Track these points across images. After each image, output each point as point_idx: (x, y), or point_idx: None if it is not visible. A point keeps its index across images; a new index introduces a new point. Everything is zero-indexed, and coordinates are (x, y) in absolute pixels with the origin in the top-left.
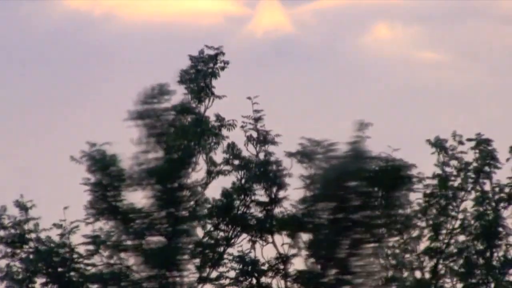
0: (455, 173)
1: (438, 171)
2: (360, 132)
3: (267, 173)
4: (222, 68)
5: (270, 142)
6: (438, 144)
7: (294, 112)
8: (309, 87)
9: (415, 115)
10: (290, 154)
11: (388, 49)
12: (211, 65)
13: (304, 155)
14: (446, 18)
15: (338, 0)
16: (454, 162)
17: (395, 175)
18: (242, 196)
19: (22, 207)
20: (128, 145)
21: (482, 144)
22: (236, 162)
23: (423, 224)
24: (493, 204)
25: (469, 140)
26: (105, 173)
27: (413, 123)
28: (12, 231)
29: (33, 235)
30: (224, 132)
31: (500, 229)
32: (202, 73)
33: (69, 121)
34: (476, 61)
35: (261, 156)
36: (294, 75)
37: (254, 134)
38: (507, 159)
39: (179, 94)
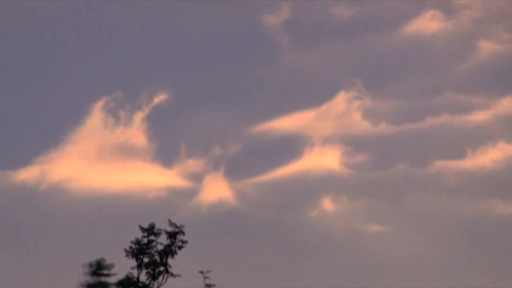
0: None
1: None
2: None
3: None
4: (180, 247)
5: None
6: None
7: (241, 284)
8: (254, 260)
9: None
10: None
11: (333, 222)
12: (170, 242)
13: None
14: (391, 191)
15: (281, 175)
16: None
17: None
18: None
19: None
20: None
21: None
22: None
23: None
24: None
25: None
26: None
27: None
28: None
29: None
30: None
31: None
32: (155, 247)
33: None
34: (420, 233)
35: None
36: (239, 248)
37: None
38: None
39: (127, 267)
